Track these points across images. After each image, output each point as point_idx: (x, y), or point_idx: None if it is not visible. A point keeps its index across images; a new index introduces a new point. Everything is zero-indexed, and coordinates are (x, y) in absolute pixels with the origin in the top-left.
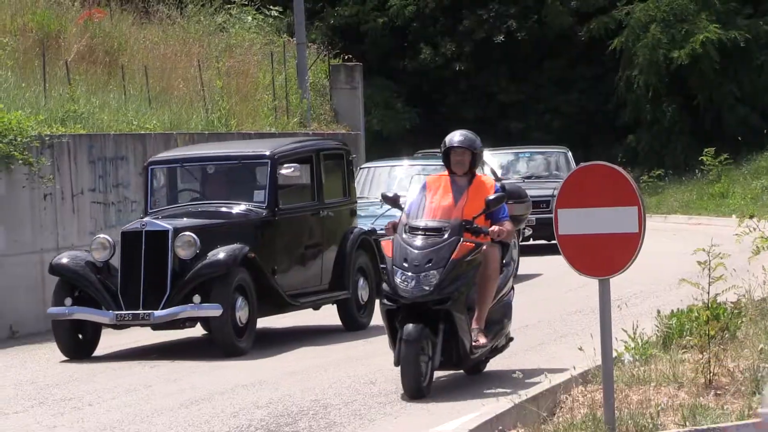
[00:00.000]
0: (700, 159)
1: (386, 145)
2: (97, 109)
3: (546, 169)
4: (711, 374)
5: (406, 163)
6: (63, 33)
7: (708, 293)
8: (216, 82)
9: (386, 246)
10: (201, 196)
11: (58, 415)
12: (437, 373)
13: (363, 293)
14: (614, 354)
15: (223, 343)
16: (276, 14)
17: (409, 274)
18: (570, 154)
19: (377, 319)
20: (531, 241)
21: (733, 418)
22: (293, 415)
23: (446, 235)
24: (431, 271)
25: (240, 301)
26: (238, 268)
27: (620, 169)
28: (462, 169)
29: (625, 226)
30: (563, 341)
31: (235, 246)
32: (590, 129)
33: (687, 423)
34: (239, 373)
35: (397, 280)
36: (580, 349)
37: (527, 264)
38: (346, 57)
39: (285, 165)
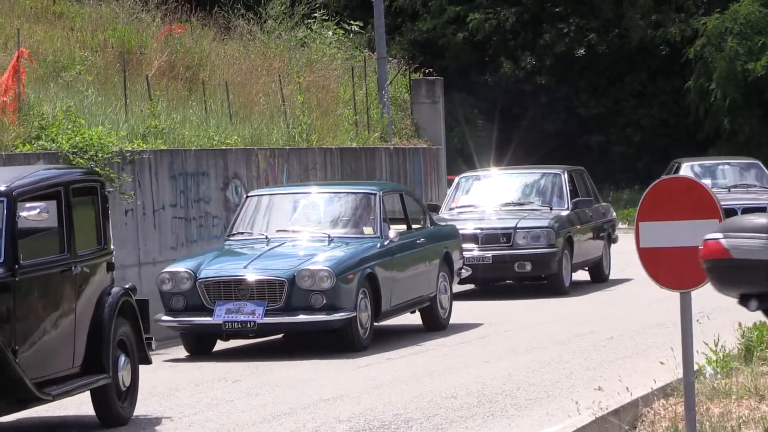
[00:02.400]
0: None
1: (466, 159)
2: (178, 125)
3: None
4: None
5: (314, 190)
6: (143, 49)
7: None
8: (297, 96)
9: None
10: None
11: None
12: (517, 386)
13: (125, 375)
14: (695, 367)
15: None
16: (356, 29)
17: None
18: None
19: (458, 325)
20: None
21: None
22: (375, 430)
23: None
24: None
25: None
26: None
27: (701, 181)
28: None
29: None
30: (645, 354)
31: None
32: (671, 142)
33: None
34: (321, 388)
35: None
36: (662, 363)
37: (615, 274)
38: (427, 71)
39: (27, 204)
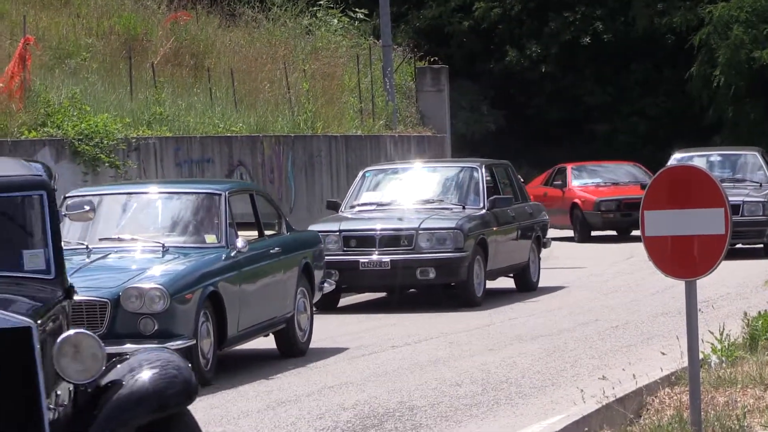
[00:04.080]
0: None
1: (471, 147)
2: (183, 112)
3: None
4: None
5: (148, 189)
6: (149, 36)
7: None
8: (302, 84)
9: None
10: None
11: None
12: (525, 374)
13: None
14: (701, 356)
15: None
16: (362, 17)
17: None
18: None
19: (462, 313)
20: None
21: None
22: (379, 417)
23: None
24: None
25: None
26: None
27: (706, 170)
28: None
29: (711, 228)
30: (650, 343)
31: None
32: (676, 131)
33: None
34: (326, 375)
35: None
36: (663, 353)
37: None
38: (432, 59)
39: None
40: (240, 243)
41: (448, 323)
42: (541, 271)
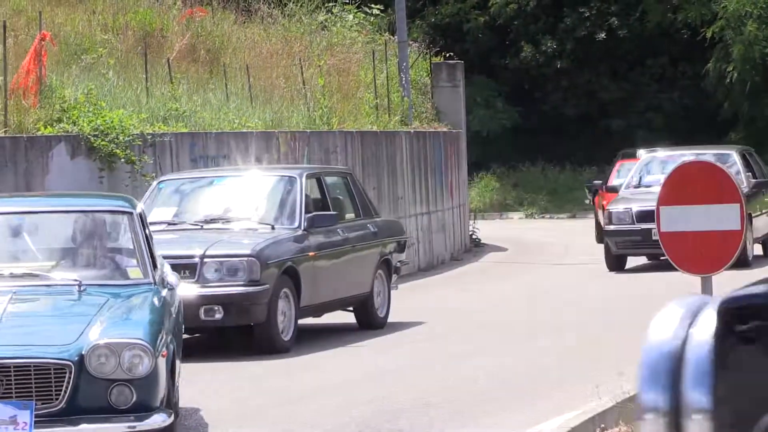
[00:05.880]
0: None
1: (487, 144)
2: (198, 108)
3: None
4: None
5: (37, 206)
6: (165, 32)
7: None
8: (318, 80)
9: None
10: None
11: None
12: (541, 370)
13: None
14: None
15: None
16: (377, 12)
17: None
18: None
19: (477, 309)
20: None
21: None
22: (394, 413)
23: None
24: None
25: None
26: None
27: (722, 166)
28: None
29: (727, 224)
30: None
31: None
32: (692, 126)
33: None
34: (343, 371)
35: None
36: None
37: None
38: (448, 55)
39: None
40: (173, 279)
41: (463, 319)
42: None
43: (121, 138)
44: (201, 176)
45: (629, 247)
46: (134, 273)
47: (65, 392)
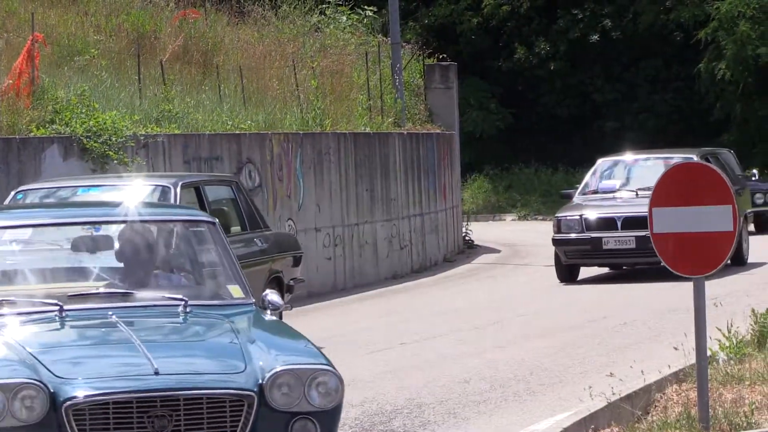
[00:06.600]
0: None
1: (480, 145)
2: (191, 109)
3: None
4: None
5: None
6: (157, 33)
7: None
8: (311, 81)
9: None
10: None
11: None
12: (533, 371)
13: None
14: (708, 353)
15: None
16: (370, 14)
17: None
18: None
19: (471, 309)
20: None
21: None
22: (387, 414)
23: None
24: None
25: None
26: None
27: (715, 167)
28: None
29: (719, 225)
30: (658, 340)
31: None
32: (685, 128)
33: None
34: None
35: None
36: (675, 348)
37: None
38: (441, 57)
39: None
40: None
41: (456, 321)
42: None
43: (113, 139)
44: (65, 185)
45: (579, 257)
46: (235, 292)
47: (242, 429)
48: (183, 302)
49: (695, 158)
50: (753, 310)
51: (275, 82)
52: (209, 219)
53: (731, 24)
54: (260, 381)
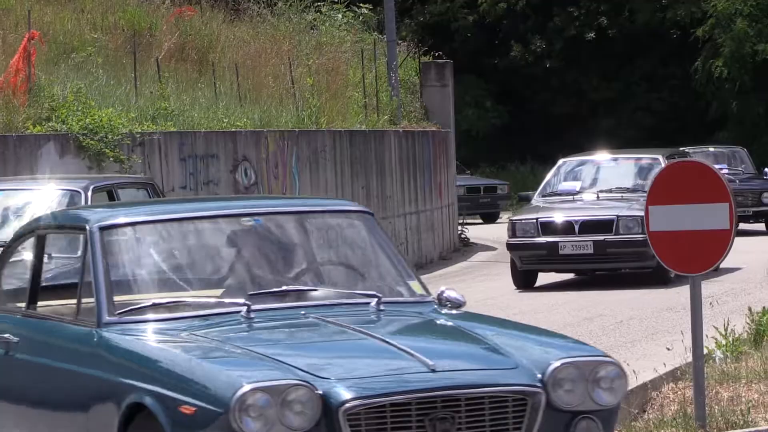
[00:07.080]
0: None
1: (476, 143)
2: (187, 107)
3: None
4: None
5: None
6: (153, 31)
7: None
8: (306, 79)
9: None
10: None
11: None
12: None
13: None
14: (705, 351)
15: None
16: (366, 12)
17: None
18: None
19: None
20: None
21: None
22: None
23: None
24: None
25: None
26: None
27: (711, 165)
28: None
29: (716, 223)
30: (654, 338)
31: None
32: (681, 126)
33: None
34: None
35: None
36: (668, 349)
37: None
38: (436, 54)
39: None
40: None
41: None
42: None
43: (110, 137)
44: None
45: (535, 262)
46: (416, 287)
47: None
48: (377, 299)
49: (661, 159)
50: (749, 309)
51: (271, 79)
52: (366, 210)
53: (728, 21)
54: (540, 377)
